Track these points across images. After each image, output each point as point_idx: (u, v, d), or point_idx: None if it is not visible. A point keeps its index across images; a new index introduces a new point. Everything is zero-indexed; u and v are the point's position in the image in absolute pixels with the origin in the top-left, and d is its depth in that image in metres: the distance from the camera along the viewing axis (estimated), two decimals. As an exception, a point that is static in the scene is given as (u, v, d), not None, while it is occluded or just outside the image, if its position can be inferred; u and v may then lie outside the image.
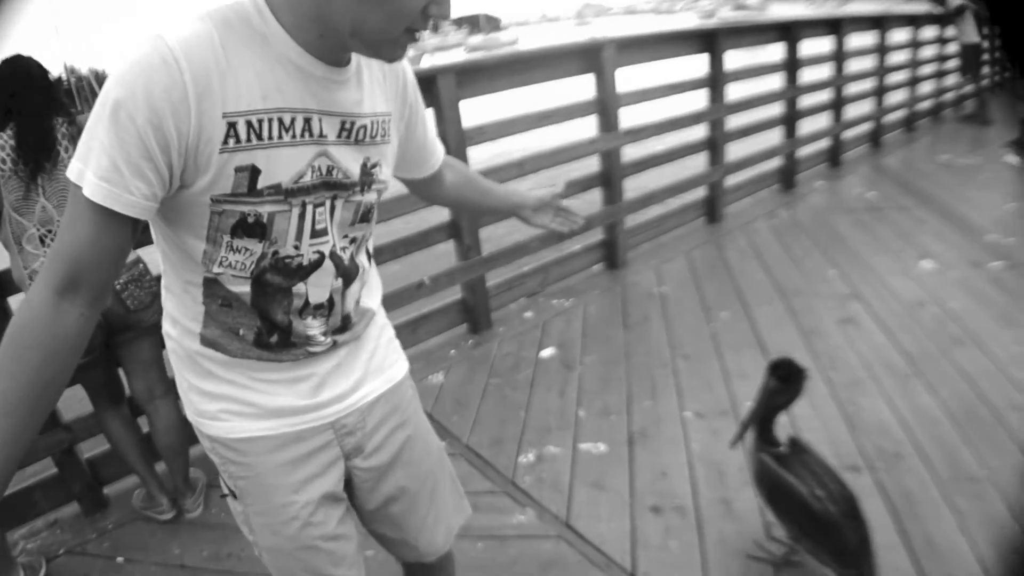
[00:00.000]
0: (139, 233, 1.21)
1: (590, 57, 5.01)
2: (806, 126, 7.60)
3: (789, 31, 7.06)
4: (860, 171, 8.28)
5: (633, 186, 5.56)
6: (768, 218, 6.71)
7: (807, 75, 7.43)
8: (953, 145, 9.30)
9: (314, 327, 1.41)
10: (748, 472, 2.63)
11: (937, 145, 9.50)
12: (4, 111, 2.61)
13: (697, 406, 3.69)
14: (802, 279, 5.25)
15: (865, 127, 9.12)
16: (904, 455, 3.21)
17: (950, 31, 10.65)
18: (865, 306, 4.72)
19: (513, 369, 4.17)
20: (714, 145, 6.28)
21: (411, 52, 1.72)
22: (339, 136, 1.29)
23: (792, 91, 7.20)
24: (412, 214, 4.11)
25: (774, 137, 7.32)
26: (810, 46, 7.43)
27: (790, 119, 7.30)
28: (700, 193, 6.51)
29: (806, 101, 7.53)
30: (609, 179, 5.29)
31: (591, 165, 5.35)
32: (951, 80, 11.19)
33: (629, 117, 5.28)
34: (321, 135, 1.25)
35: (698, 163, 6.42)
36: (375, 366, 1.60)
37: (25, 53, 2.73)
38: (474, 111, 4.37)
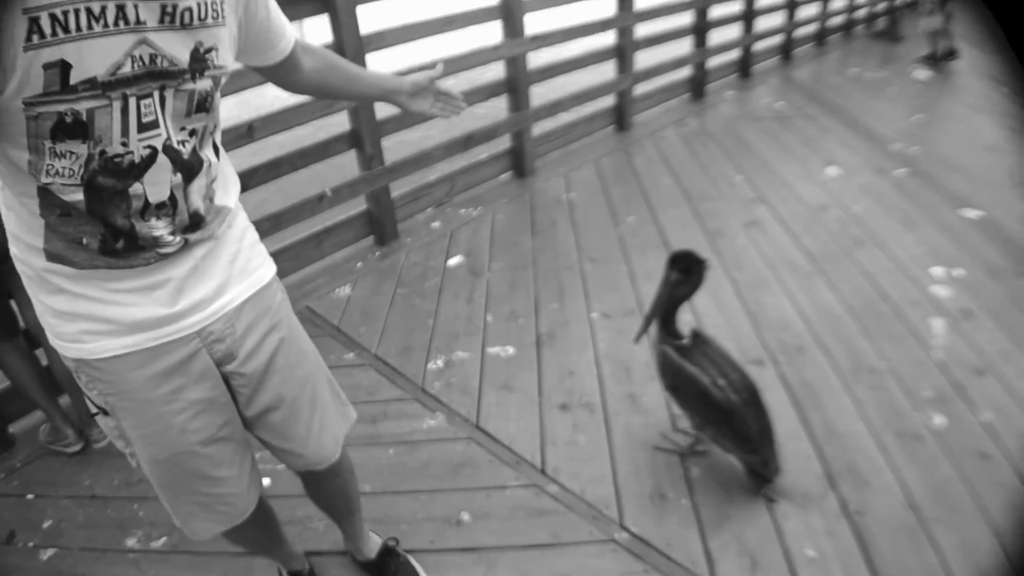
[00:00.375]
0: None
1: (495, -41, 4.86)
2: (717, 36, 7.56)
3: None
4: (770, 82, 8.33)
5: (542, 93, 5.48)
6: (677, 126, 6.71)
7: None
8: (863, 60, 9.43)
9: (159, 227, 1.32)
10: (654, 367, 2.64)
11: (848, 59, 9.61)
12: None
13: (603, 307, 3.70)
14: (709, 184, 5.28)
15: (776, 40, 9.15)
16: (806, 348, 3.28)
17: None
18: (770, 209, 4.77)
19: (421, 278, 4.12)
20: (623, 53, 6.20)
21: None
22: (161, 21, 1.18)
23: (702, 0, 7.13)
24: (311, 123, 4.00)
25: (684, 47, 7.27)
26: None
27: (700, 29, 7.24)
28: (609, 101, 6.46)
29: (717, 11, 7.48)
30: (515, 86, 5.19)
31: (497, 72, 5.25)
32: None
33: (536, 23, 5.16)
34: (139, 21, 1.14)
35: (608, 71, 6.34)
36: (238, 270, 1.53)
37: None
38: (374, 17, 4.21)
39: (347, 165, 4.46)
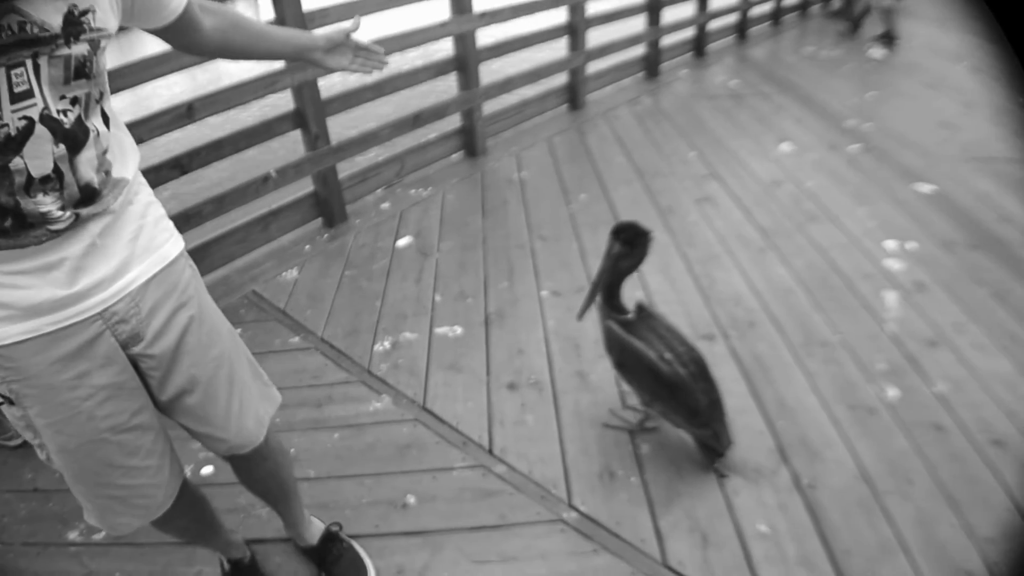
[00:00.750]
0: None
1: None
2: (670, 15, 7.50)
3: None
4: (725, 61, 8.31)
5: (496, 68, 5.42)
6: (631, 105, 6.66)
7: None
8: (819, 39, 9.42)
9: (47, 203, 1.26)
10: (602, 344, 2.58)
11: (803, 39, 9.61)
12: None
13: (553, 284, 3.65)
14: (662, 161, 5.25)
15: (731, 19, 9.10)
16: (757, 323, 3.25)
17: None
18: (723, 185, 4.74)
19: (369, 260, 4.03)
20: (574, 30, 6.13)
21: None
22: None
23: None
24: (254, 103, 3.91)
25: (638, 24, 7.21)
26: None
27: (653, 7, 7.17)
28: (562, 80, 6.39)
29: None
30: (464, 64, 5.10)
31: (446, 49, 5.17)
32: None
33: (485, 1, 5.09)
34: None
35: (561, 49, 6.27)
36: (142, 247, 1.47)
37: None
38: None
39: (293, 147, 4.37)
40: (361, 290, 3.74)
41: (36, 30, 1.14)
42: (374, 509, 2.42)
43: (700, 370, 2.37)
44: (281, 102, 4.20)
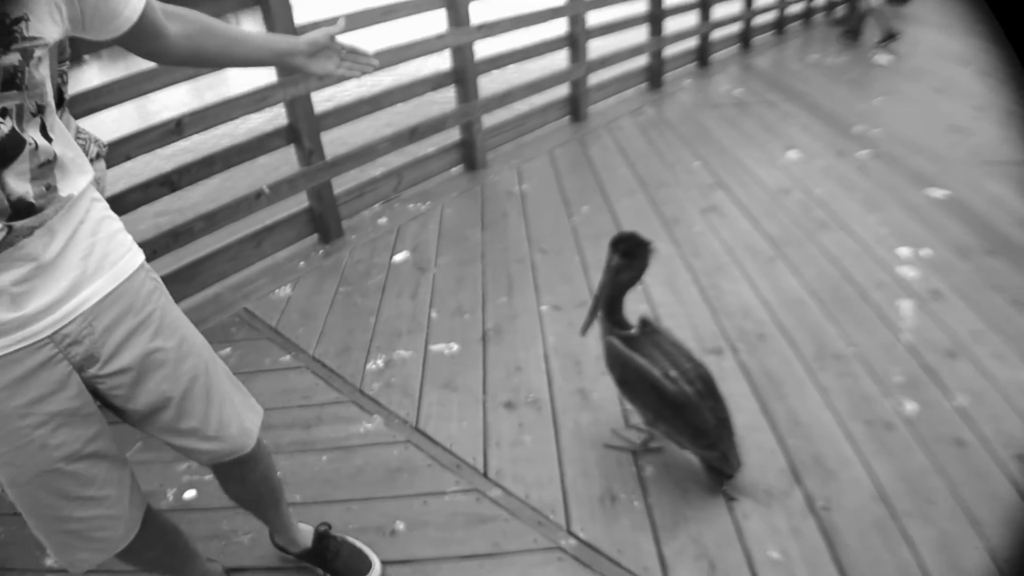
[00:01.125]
0: None
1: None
2: (673, 25, 7.44)
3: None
4: (729, 71, 8.23)
5: (499, 79, 5.33)
6: (634, 116, 6.57)
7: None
8: (823, 47, 9.36)
9: None
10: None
11: (808, 47, 9.56)
12: None
13: (554, 299, 3.54)
14: (666, 171, 5.14)
15: (734, 28, 9.05)
16: (767, 336, 3.13)
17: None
18: (729, 194, 4.63)
19: (364, 276, 3.93)
20: (575, 42, 6.04)
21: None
22: None
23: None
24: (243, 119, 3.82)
25: (640, 35, 7.13)
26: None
27: (655, 17, 7.10)
28: (563, 91, 6.31)
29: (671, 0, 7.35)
30: (462, 76, 5.02)
31: (444, 62, 5.08)
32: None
33: (482, 11, 5.00)
34: None
35: (562, 61, 6.19)
36: (94, 265, 1.38)
37: None
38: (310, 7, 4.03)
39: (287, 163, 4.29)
40: (355, 307, 3.64)
41: None
42: (361, 536, 2.28)
43: (707, 388, 2.25)
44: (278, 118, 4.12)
